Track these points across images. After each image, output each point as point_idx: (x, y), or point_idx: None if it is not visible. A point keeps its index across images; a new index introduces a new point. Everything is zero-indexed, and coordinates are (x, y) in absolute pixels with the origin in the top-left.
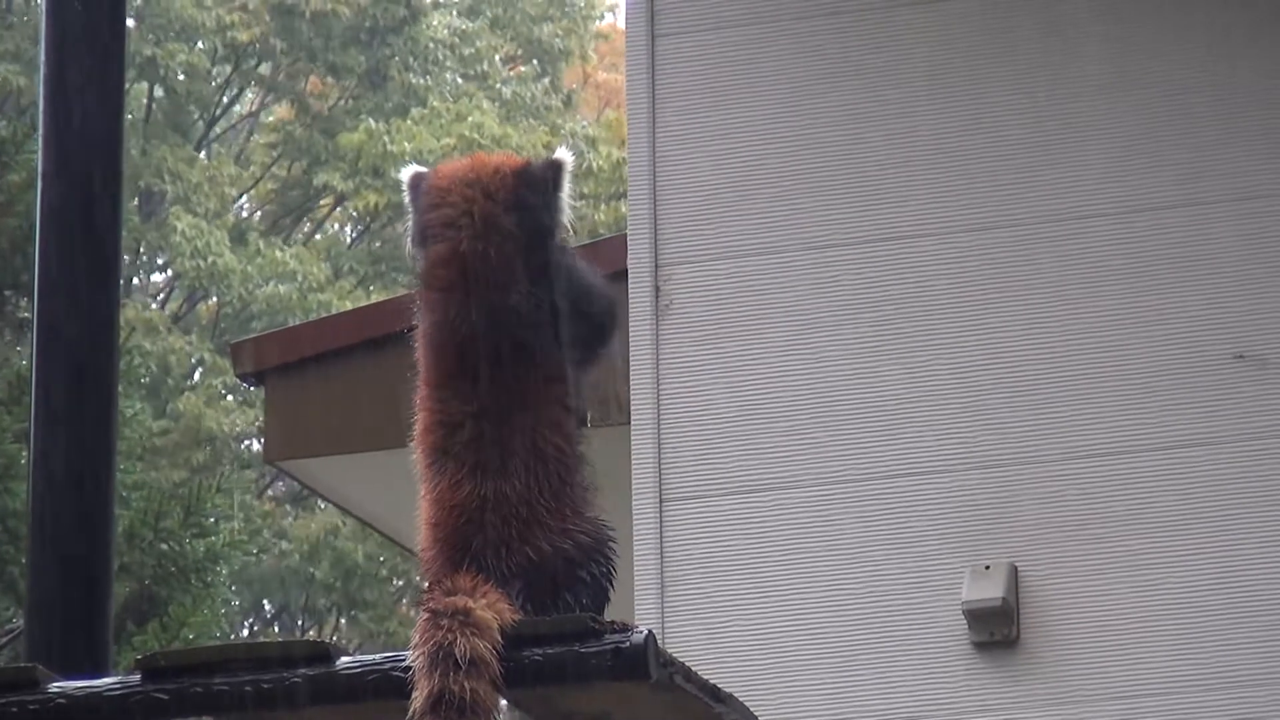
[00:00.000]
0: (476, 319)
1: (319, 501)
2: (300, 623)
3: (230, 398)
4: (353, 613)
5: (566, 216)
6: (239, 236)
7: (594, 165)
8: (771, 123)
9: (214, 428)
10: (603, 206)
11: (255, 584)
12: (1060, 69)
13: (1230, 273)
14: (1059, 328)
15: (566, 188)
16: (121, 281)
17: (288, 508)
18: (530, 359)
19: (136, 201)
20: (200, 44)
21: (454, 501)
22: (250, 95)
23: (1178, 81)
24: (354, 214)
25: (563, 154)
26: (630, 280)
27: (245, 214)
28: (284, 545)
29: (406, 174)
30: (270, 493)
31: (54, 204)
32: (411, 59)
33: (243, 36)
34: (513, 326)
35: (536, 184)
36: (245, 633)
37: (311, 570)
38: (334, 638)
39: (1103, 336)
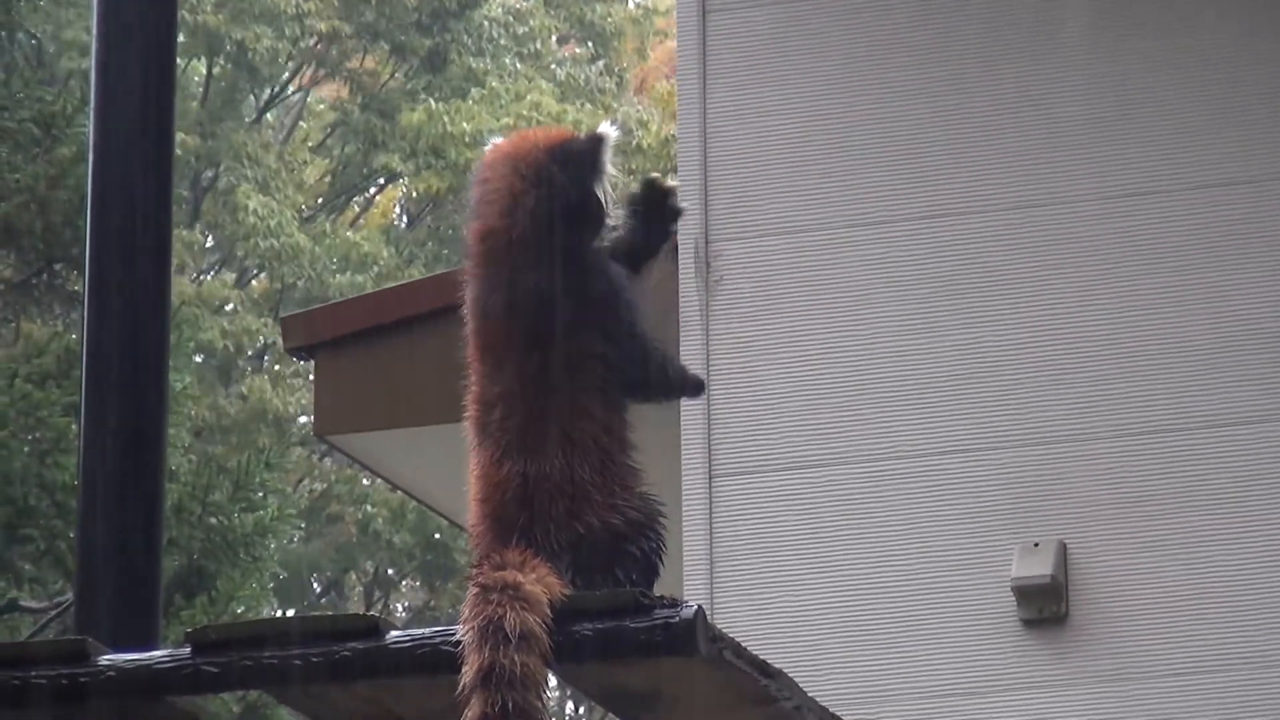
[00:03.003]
0: (503, 298)
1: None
2: (374, 594)
3: (296, 379)
4: (436, 582)
5: (607, 194)
6: (301, 214)
7: (644, 144)
8: (821, 99)
9: (280, 407)
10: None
11: (322, 556)
12: (1112, 45)
13: None
14: (1113, 305)
15: (609, 164)
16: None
17: (366, 477)
18: (557, 342)
19: (208, 178)
20: (285, 30)
21: (498, 478)
22: (303, 71)
23: (1228, 57)
24: (414, 194)
25: (606, 128)
26: (679, 255)
27: (312, 195)
28: (368, 508)
29: (488, 148)
30: (331, 460)
31: (105, 177)
32: (466, 38)
33: (321, 26)
34: (538, 308)
35: (571, 160)
36: (321, 600)
37: (390, 537)
38: (404, 605)
39: (1156, 313)
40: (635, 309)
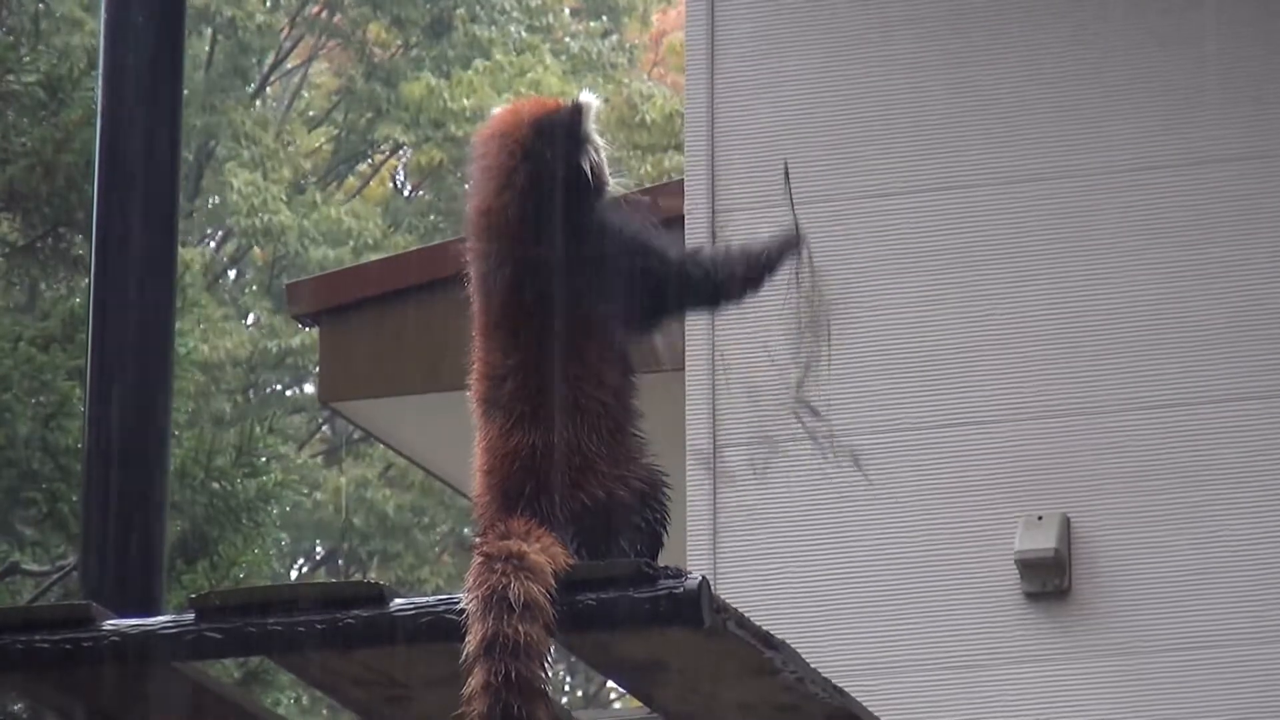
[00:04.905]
0: (508, 273)
1: (345, 454)
2: (349, 567)
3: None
4: (384, 564)
5: (594, 160)
6: (296, 185)
7: (648, 119)
8: (831, 70)
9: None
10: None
11: (303, 527)
12: (1120, 21)
13: None
14: (1118, 279)
15: (593, 131)
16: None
17: (319, 460)
18: (564, 312)
19: (192, 155)
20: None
21: (505, 450)
22: (305, 41)
23: (1236, 35)
24: (419, 163)
25: (586, 97)
26: (687, 226)
27: (307, 167)
28: (318, 496)
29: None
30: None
31: (113, 140)
32: (478, 7)
33: None
34: (541, 280)
35: (554, 131)
36: (293, 574)
37: (352, 519)
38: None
39: (1162, 288)
40: (644, 251)
